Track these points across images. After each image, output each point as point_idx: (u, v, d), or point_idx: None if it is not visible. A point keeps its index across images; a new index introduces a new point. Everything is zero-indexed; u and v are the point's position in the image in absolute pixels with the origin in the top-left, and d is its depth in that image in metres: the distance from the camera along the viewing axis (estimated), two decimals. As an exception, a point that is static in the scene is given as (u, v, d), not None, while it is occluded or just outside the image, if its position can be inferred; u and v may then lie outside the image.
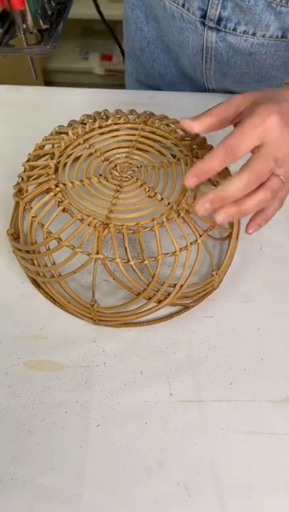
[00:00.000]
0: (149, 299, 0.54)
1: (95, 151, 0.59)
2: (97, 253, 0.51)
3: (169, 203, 0.54)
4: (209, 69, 0.75)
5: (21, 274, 0.60)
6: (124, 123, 0.62)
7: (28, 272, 0.59)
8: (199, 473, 0.47)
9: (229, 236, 0.59)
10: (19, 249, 0.58)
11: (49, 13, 0.56)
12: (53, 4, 0.56)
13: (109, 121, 0.61)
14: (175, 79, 0.84)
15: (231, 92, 0.78)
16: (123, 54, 0.96)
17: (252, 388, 0.52)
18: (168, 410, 0.51)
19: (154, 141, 0.61)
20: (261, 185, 0.46)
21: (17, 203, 0.62)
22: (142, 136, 0.61)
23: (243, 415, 0.51)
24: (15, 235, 0.60)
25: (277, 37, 0.66)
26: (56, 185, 0.54)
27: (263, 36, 0.66)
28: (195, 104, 0.75)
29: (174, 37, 0.75)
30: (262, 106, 0.44)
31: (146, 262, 0.51)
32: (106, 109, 0.64)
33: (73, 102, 0.76)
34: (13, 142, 0.71)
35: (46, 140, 0.61)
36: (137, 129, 0.61)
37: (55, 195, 0.53)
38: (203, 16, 0.67)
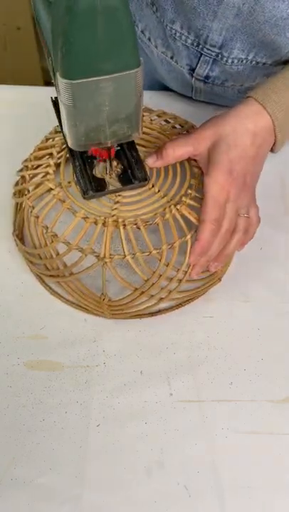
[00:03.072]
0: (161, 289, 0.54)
1: None
2: (105, 255, 0.50)
3: (167, 199, 0.54)
4: (198, 97, 0.75)
5: (21, 274, 0.60)
6: None
7: (36, 271, 0.59)
8: (199, 473, 0.47)
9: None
10: (27, 252, 0.58)
11: None
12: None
13: None
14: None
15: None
16: None
17: (252, 388, 0.52)
18: (168, 410, 0.51)
19: (150, 135, 0.60)
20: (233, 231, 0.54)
21: (17, 204, 0.62)
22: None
23: (243, 415, 0.51)
24: (20, 236, 0.60)
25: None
26: (58, 185, 0.54)
27: (251, 84, 0.67)
28: (194, 104, 0.75)
29: (161, 74, 0.76)
30: (215, 171, 0.51)
31: (153, 252, 0.51)
32: None
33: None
34: (13, 142, 0.71)
35: (46, 140, 0.60)
36: None
37: (57, 194, 0.53)
38: (192, 69, 0.68)
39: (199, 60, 0.65)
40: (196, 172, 0.55)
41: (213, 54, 0.63)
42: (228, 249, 0.54)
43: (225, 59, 0.63)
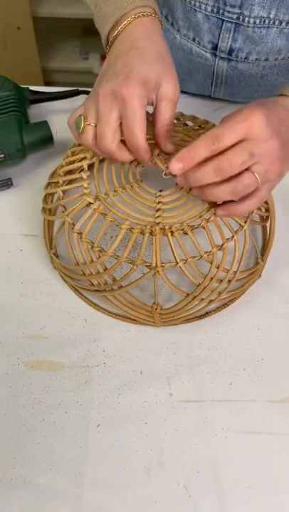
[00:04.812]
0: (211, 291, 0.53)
1: None
2: (156, 265, 0.49)
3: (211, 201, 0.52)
4: (218, 92, 0.75)
5: (21, 274, 0.60)
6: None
7: (75, 285, 0.58)
8: (199, 473, 0.47)
9: (266, 219, 0.59)
10: (66, 268, 0.57)
11: None
12: None
13: None
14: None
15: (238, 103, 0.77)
16: None
17: (252, 388, 0.52)
18: (168, 410, 0.51)
19: (180, 139, 0.60)
20: (233, 178, 0.46)
21: (45, 220, 0.61)
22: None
23: (243, 415, 0.51)
24: (56, 254, 0.59)
25: None
26: (96, 198, 0.53)
27: (276, 59, 0.67)
28: (198, 107, 0.75)
29: (181, 67, 0.75)
30: (249, 106, 0.46)
31: (204, 256, 0.50)
32: None
33: (75, 105, 0.76)
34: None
35: (72, 153, 0.59)
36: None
37: (97, 208, 0.52)
38: (214, 47, 0.68)
39: (221, 29, 0.65)
40: None
41: (234, 17, 0.63)
42: (217, 190, 0.47)
43: (246, 19, 0.62)
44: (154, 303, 0.54)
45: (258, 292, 0.59)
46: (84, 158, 0.56)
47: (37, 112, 0.73)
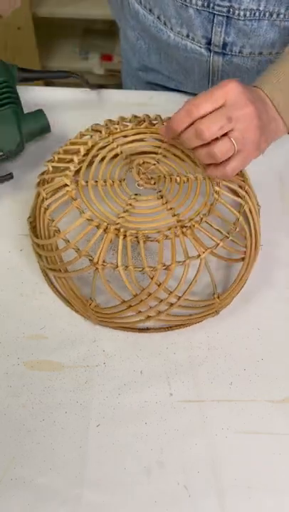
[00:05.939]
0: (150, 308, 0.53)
1: (121, 152, 0.58)
2: (98, 261, 0.50)
3: (177, 218, 0.52)
4: None
5: (21, 274, 0.60)
6: (151, 128, 0.60)
7: (40, 263, 0.59)
8: (199, 473, 0.47)
9: (243, 259, 0.57)
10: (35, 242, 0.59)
11: None
12: None
13: (143, 125, 0.60)
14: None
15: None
16: None
17: (252, 388, 0.52)
18: (168, 410, 0.51)
19: (181, 151, 0.59)
20: (212, 143, 0.49)
21: (38, 193, 0.61)
22: (171, 145, 0.59)
23: (243, 415, 0.51)
24: (33, 224, 0.60)
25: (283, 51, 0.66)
26: (75, 183, 0.54)
27: (270, 54, 0.67)
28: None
29: (178, 66, 0.75)
30: (225, 80, 0.50)
31: (147, 269, 0.50)
32: (146, 114, 0.64)
33: (73, 102, 0.76)
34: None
35: (80, 135, 0.60)
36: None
37: (70, 191, 0.53)
38: (208, 42, 0.68)
39: (213, 23, 0.65)
40: (215, 198, 0.54)
41: (225, 10, 0.63)
42: (196, 152, 0.51)
43: (237, 12, 0.63)
44: (90, 298, 0.54)
45: (257, 292, 0.59)
46: (85, 144, 0.57)
47: (31, 96, 0.72)
